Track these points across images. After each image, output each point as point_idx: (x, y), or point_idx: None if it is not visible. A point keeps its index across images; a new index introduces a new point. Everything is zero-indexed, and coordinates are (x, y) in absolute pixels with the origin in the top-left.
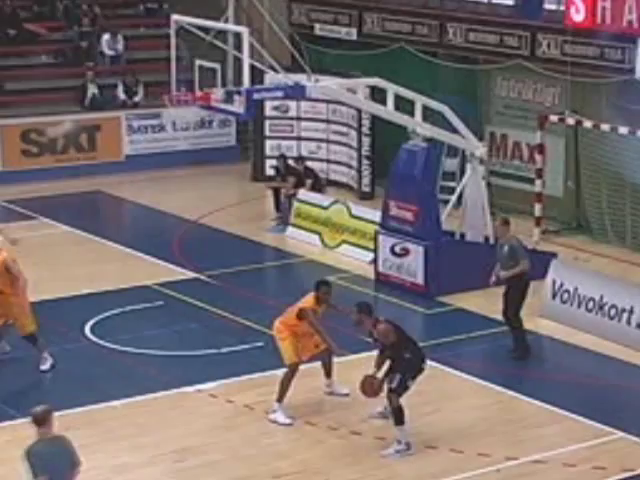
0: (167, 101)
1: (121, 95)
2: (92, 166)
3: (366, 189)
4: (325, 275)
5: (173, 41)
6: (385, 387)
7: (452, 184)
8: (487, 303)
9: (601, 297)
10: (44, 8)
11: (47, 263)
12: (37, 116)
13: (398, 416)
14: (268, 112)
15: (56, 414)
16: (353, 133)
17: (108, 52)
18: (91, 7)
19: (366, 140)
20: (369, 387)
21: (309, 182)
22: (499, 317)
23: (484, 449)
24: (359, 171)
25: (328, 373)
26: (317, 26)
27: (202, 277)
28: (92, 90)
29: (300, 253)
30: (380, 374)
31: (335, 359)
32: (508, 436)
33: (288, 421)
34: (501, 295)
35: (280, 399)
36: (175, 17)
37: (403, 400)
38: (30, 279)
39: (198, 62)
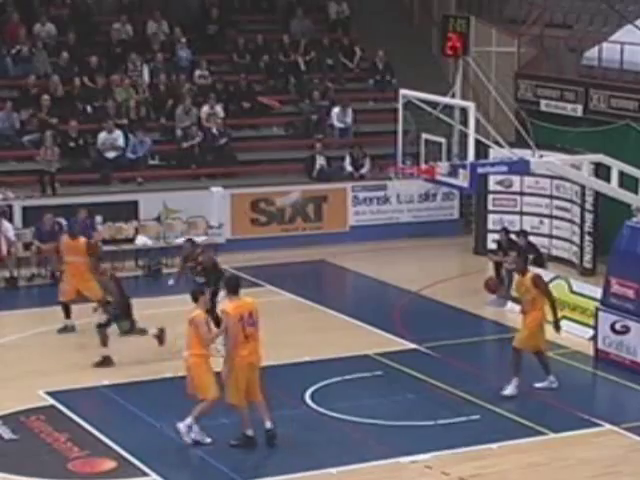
0: (393, 173)
1: (348, 167)
2: (317, 236)
3: (587, 265)
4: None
5: (401, 115)
6: None
7: None
8: None
9: None
10: (278, 82)
11: (271, 330)
12: (267, 186)
13: None
14: (492, 186)
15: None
16: (576, 209)
17: (337, 125)
18: (323, 81)
19: (589, 216)
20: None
21: (531, 257)
22: None
23: None
24: (581, 247)
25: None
26: (543, 102)
27: (421, 348)
28: (320, 162)
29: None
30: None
31: None
32: None
33: None
34: None
35: None
36: (403, 92)
37: None
38: None
39: (424, 136)
